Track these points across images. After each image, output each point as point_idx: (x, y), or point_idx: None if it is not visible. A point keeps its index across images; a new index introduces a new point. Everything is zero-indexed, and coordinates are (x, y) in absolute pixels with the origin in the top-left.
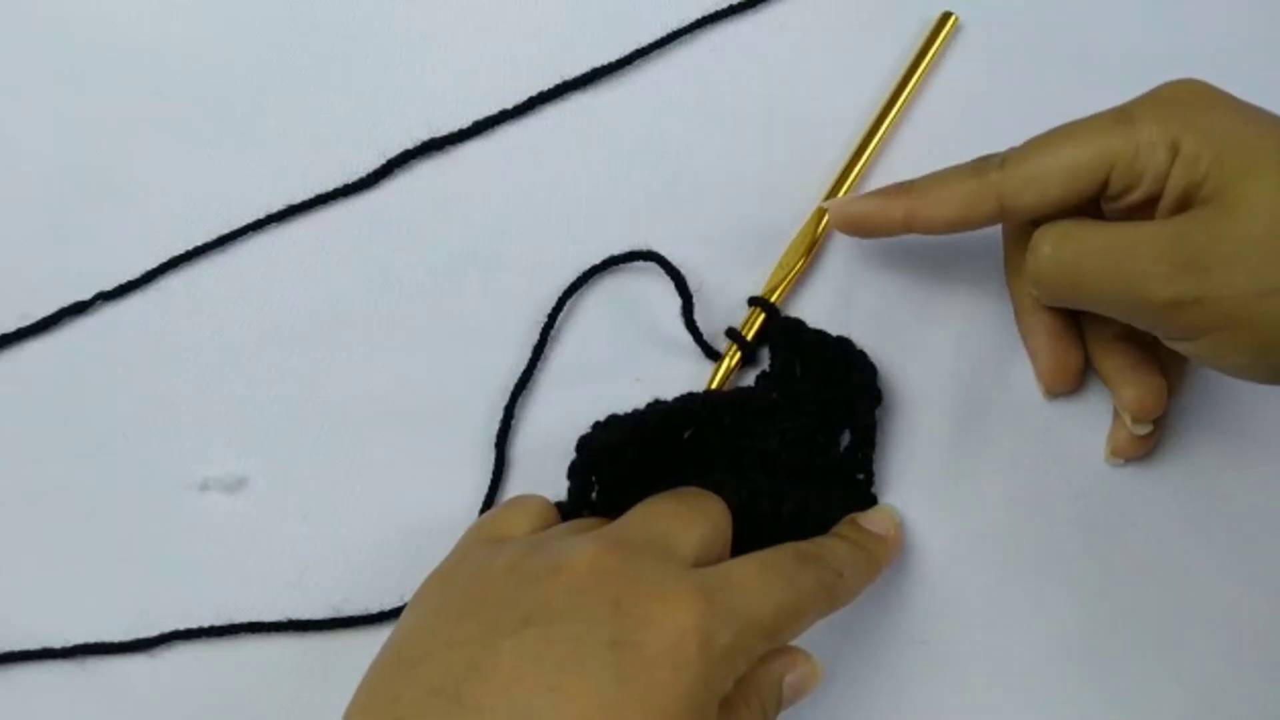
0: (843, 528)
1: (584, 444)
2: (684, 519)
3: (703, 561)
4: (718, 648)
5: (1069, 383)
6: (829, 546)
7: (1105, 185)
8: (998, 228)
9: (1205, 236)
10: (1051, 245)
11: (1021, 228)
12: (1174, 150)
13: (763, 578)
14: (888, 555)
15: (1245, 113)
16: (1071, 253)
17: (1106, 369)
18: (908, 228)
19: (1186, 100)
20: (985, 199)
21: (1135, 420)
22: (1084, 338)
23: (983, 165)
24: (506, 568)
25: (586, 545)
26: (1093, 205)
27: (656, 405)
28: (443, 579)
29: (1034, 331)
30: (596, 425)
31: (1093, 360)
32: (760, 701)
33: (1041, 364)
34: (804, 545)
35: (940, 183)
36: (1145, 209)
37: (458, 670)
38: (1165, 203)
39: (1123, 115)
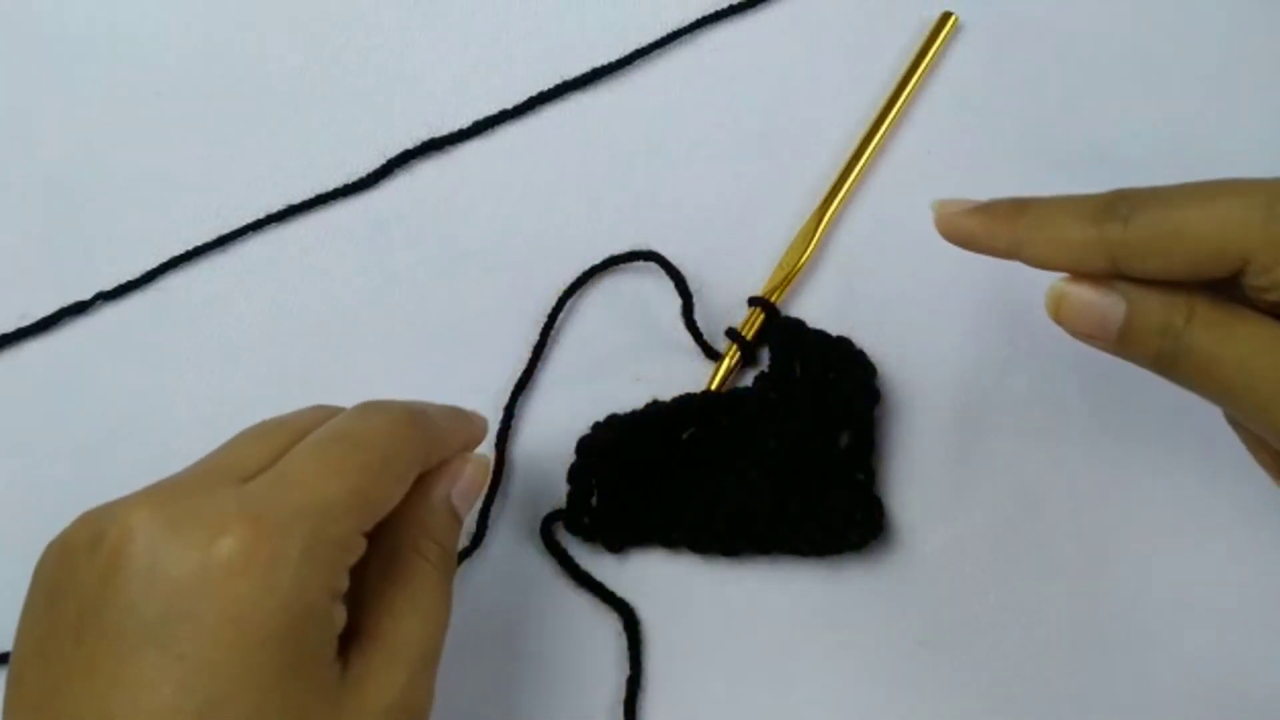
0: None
1: (584, 445)
2: (256, 442)
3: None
4: (284, 560)
5: None
6: (399, 399)
7: (1241, 272)
8: None
9: None
10: (1195, 330)
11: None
12: None
13: (321, 455)
14: (480, 423)
15: None
16: (1212, 345)
17: (1241, 432)
18: (1011, 257)
19: None
20: (1097, 255)
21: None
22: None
23: (1107, 211)
24: (61, 548)
25: (120, 504)
26: (1228, 283)
27: (655, 405)
28: (36, 568)
29: (1255, 447)
30: (596, 426)
31: (1247, 443)
32: (434, 541)
33: (1264, 463)
34: (373, 400)
35: (1056, 221)
36: None
37: (44, 689)
38: None
39: (1273, 205)
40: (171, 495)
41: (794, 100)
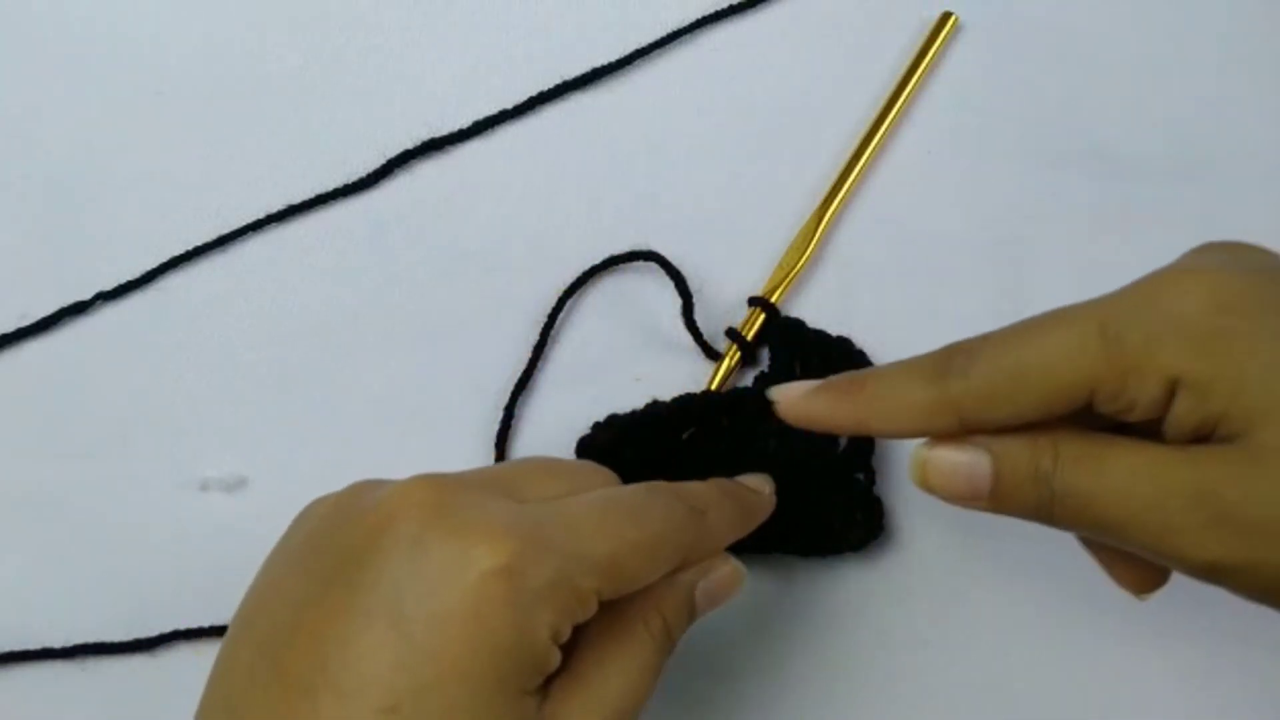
0: (714, 479)
1: (583, 446)
2: (544, 474)
3: None
4: (530, 589)
5: (1159, 584)
6: (690, 486)
7: (1090, 404)
8: (996, 231)
9: (1238, 492)
10: (1063, 472)
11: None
12: (1171, 384)
13: (601, 512)
14: (761, 506)
15: (1272, 322)
16: (1086, 483)
17: (1096, 550)
18: (860, 432)
19: (1189, 309)
20: (943, 414)
21: (1139, 596)
22: None
23: (943, 368)
24: (334, 504)
25: (401, 481)
26: (1085, 411)
27: (655, 406)
28: (291, 524)
29: (1097, 551)
30: (596, 425)
31: (1099, 560)
32: (663, 618)
33: (1121, 580)
34: (658, 484)
35: (895, 388)
36: (1150, 426)
37: (280, 629)
38: (1174, 433)
39: (1107, 331)
40: (454, 488)
41: (794, 100)
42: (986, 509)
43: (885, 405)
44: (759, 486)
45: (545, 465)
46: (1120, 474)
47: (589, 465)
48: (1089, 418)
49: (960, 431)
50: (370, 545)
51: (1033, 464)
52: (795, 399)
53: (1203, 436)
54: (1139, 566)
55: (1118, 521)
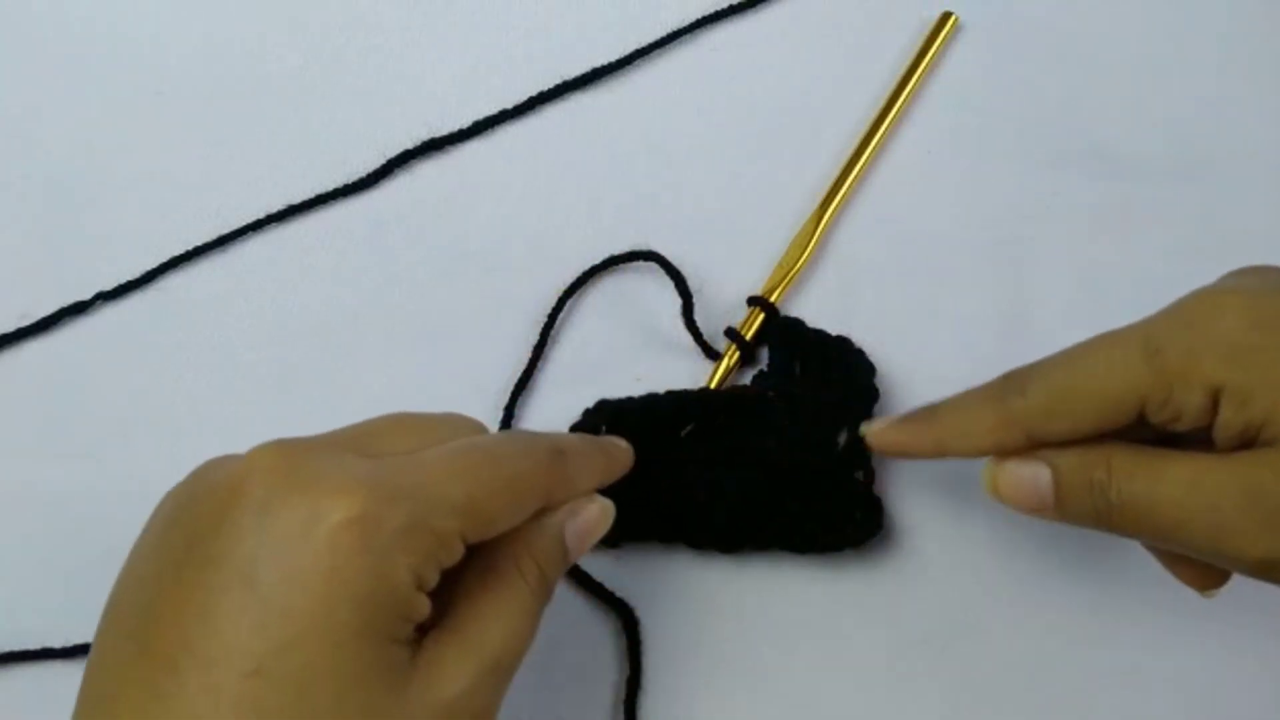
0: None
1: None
2: (400, 429)
3: None
4: (384, 535)
5: (1220, 583)
6: (551, 432)
7: (1141, 415)
8: (996, 231)
9: None
10: (1119, 482)
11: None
12: (1214, 394)
13: (456, 457)
14: (622, 458)
15: None
16: (1142, 492)
17: (1159, 553)
18: (940, 457)
19: (1223, 328)
20: (1012, 432)
21: (1203, 593)
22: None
23: (1004, 389)
24: (184, 487)
25: (251, 450)
26: (1140, 424)
27: (648, 396)
28: (152, 512)
29: (1159, 554)
30: (587, 411)
31: (1161, 560)
32: (536, 562)
33: (1185, 578)
34: (516, 430)
35: (963, 412)
36: (1200, 435)
37: (142, 609)
38: (1222, 440)
39: (1150, 346)
40: (300, 450)
41: (794, 100)
42: (1053, 519)
43: (959, 428)
44: (621, 443)
45: (400, 419)
46: (1173, 482)
47: (453, 417)
48: (1143, 430)
49: (1028, 446)
50: (221, 517)
51: (1087, 475)
52: (881, 431)
53: (1248, 442)
54: (1200, 565)
55: (1174, 526)
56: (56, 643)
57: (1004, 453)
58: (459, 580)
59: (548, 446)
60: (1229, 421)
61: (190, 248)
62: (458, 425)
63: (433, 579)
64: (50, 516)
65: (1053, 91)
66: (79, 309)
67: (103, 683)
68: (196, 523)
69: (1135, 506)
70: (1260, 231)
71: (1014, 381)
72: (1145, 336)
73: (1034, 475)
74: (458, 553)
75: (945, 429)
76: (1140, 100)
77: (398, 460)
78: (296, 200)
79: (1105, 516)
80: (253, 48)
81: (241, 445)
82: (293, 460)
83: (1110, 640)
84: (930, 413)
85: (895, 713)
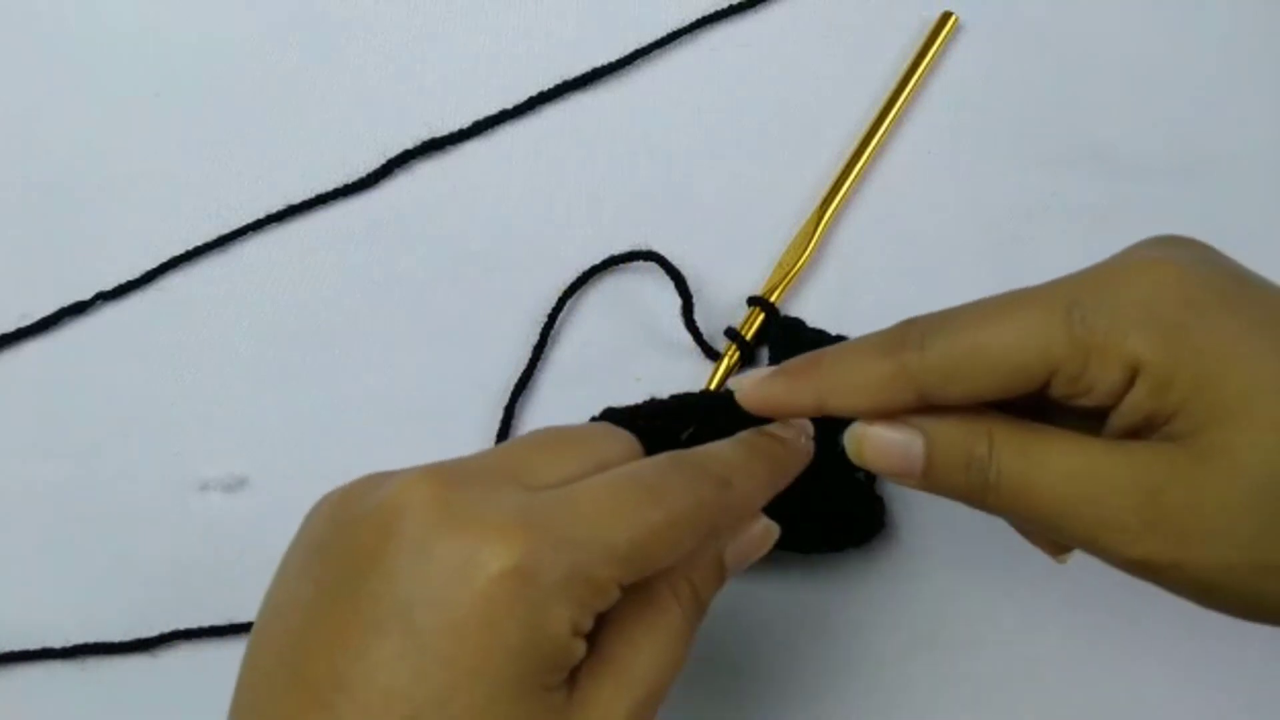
0: (742, 432)
1: None
2: (554, 450)
3: None
4: (543, 588)
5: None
6: (713, 451)
7: (1047, 384)
8: (996, 231)
9: (1182, 492)
10: (999, 461)
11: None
12: (1132, 370)
13: (618, 494)
14: (795, 458)
15: (1240, 316)
16: (1023, 474)
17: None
18: (820, 413)
19: (1157, 299)
20: (902, 389)
21: (1057, 559)
22: None
23: (901, 341)
24: (339, 501)
25: (404, 476)
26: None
27: (653, 401)
28: (305, 518)
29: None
30: (592, 420)
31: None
32: (692, 585)
33: (1039, 544)
34: (680, 453)
35: (850, 364)
36: (1092, 414)
37: (296, 637)
38: (1119, 423)
39: (1072, 308)
40: (457, 480)
41: (794, 100)
42: (917, 487)
43: (842, 381)
44: (790, 435)
45: (555, 438)
46: (1059, 467)
47: (602, 430)
48: (1033, 401)
49: (919, 405)
50: (376, 550)
51: (966, 450)
52: (752, 385)
53: (1146, 430)
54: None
55: (1052, 514)
56: (56, 643)
57: (889, 413)
58: (611, 607)
59: (714, 478)
60: (1137, 404)
61: (190, 248)
62: (612, 441)
63: (589, 624)
64: (50, 516)
65: (1053, 91)
66: (79, 309)
67: (255, 699)
68: (350, 554)
69: (1013, 488)
70: (1260, 231)
71: (913, 333)
72: (1070, 301)
73: (906, 442)
74: (614, 598)
75: (828, 382)
76: (1140, 100)
77: (557, 498)
78: (296, 200)
79: (979, 494)
80: (252, 48)
81: (242, 445)
82: (449, 494)
83: (1111, 640)
84: (810, 362)
85: (895, 713)
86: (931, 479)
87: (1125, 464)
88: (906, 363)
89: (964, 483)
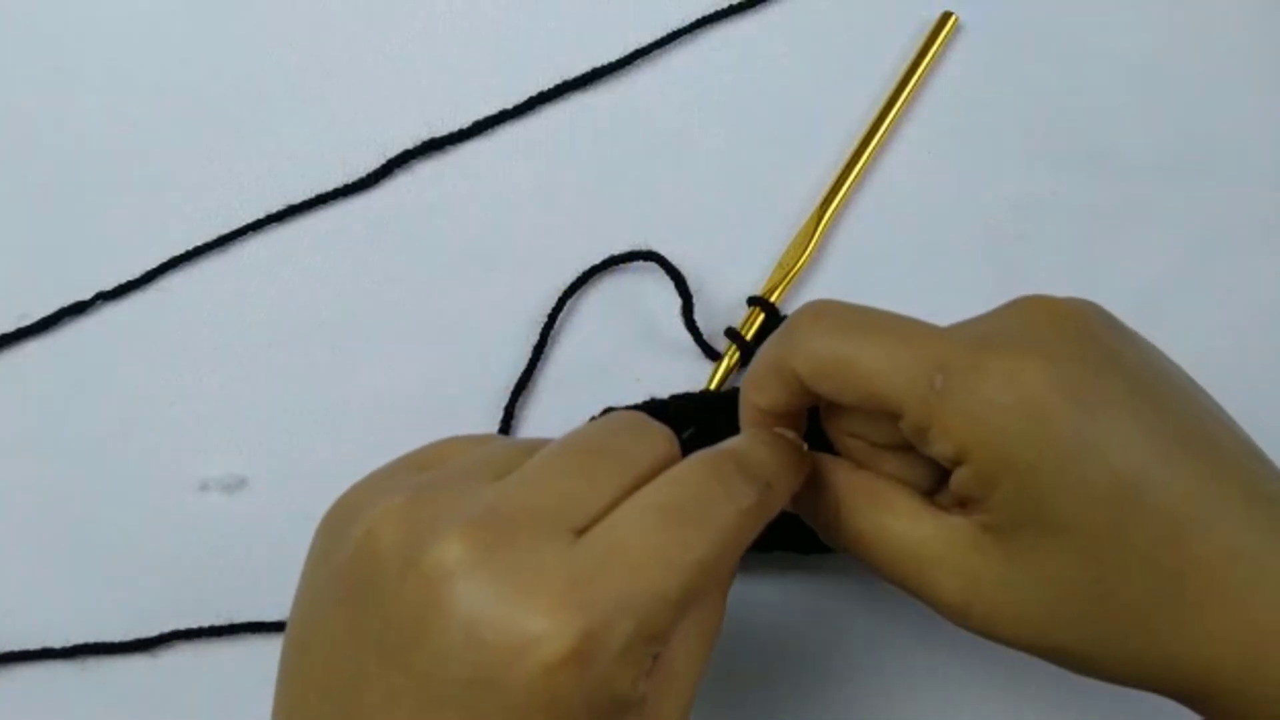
0: (758, 429)
1: None
2: (587, 471)
3: None
4: (606, 658)
5: None
6: (750, 453)
7: (899, 418)
8: (997, 231)
9: (990, 588)
10: (847, 512)
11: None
12: (961, 455)
13: (666, 533)
14: (806, 459)
15: (1081, 431)
16: (862, 532)
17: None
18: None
19: (1009, 398)
20: (780, 373)
21: None
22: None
23: (789, 328)
24: (366, 543)
25: (450, 529)
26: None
27: (652, 402)
28: (326, 530)
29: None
30: (592, 420)
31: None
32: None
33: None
34: (719, 458)
35: (761, 351)
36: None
37: (340, 681)
38: (953, 486)
39: (936, 372)
40: (498, 537)
41: (794, 100)
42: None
43: (750, 372)
44: (796, 440)
45: (587, 453)
46: (894, 533)
47: (632, 429)
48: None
49: (800, 396)
50: (424, 621)
51: (820, 501)
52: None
53: (971, 505)
54: None
55: (889, 575)
56: (56, 643)
57: (771, 400)
58: None
59: (757, 482)
60: (963, 482)
61: (190, 248)
62: (644, 444)
63: (650, 665)
64: (50, 516)
65: (1053, 91)
66: (79, 309)
67: None
68: (393, 612)
69: (854, 545)
70: (1260, 231)
71: (803, 320)
72: (940, 362)
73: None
74: (670, 638)
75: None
76: (1140, 100)
77: (607, 551)
78: (296, 200)
79: (829, 537)
80: (253, 48)
81: (242, 445)
82: (493, 559)
83: None
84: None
85: (895, 712)
86: (794, 506)
87: (950, 545)
88: (787, 351)
89: (816, 524)
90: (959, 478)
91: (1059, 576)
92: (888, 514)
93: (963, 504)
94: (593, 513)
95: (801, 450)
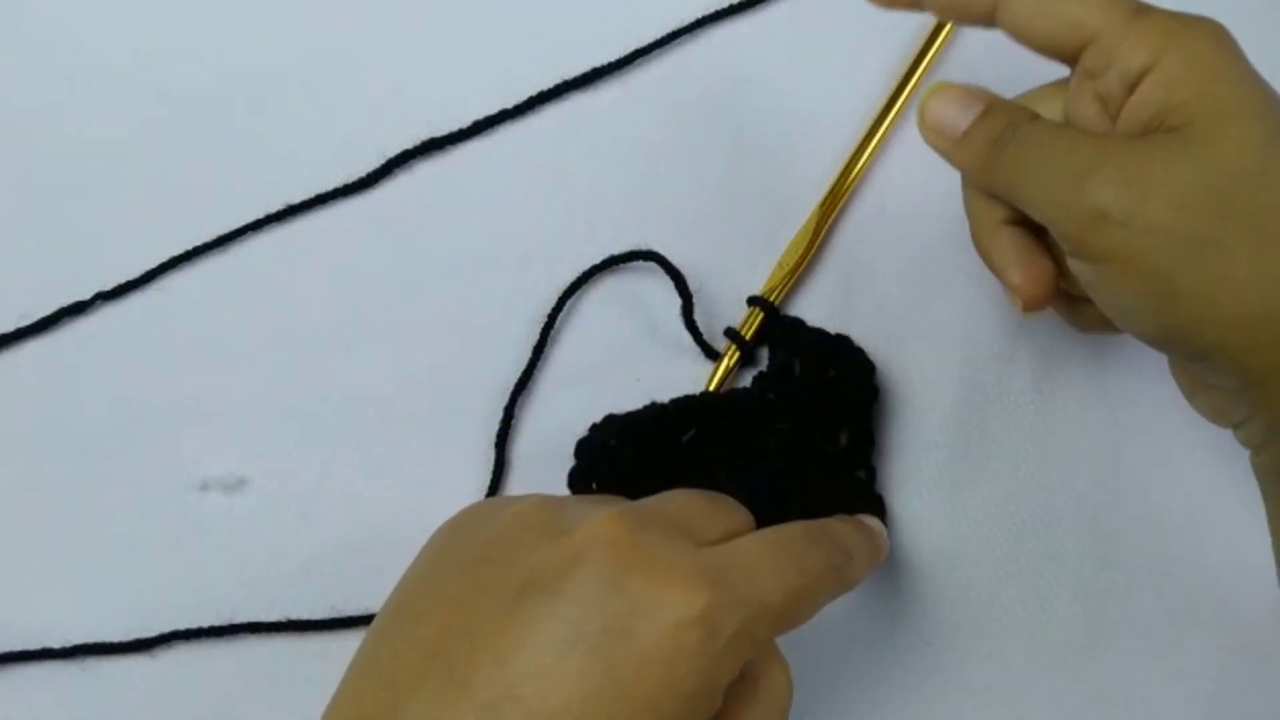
0: (839, 517)
1: (582, 448)
2: (708, 511)
3: None
4: (721, 640)
5: (1047, 294)
6: (837, 527)
7: (1081, 55)
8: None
9: (1158, 159)
10: (1020, 132)
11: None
12: (1150, 63)
13: (774, 559)
14: (885, 548)
15: (1246, 72)
16: (1023, 155)
17: (994, 255)
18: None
19: (1198, 33)
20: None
21: (1026, 310)
22: (978, 228)
23: None
24: (514, 520)
25: (597, 511)
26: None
27: (653, 407)
28: (454, 526)
29: (999, 248)
30: (594, 427)
31: (980, 247)
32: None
33: (1016, 278)
34: (813, 525)
35: None
36: (1114, 107)
37: (454, 636)
38: (1132, 115)
39: (1139, 6)
40: (643, 527)
41: (794, 100)
42: (946, 150)
43: None
44: (879, 528)
45: (702, 501)
46: (1059, 133)
47: (729, 501)
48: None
49: (988, 23)
50: (564, 574)
51: (1003, 125)
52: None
53: (1152, 129)
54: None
55: (1038, 171)
56: (56, 643)
57: (970, 16)
58: None
59: (843, 551)
60: (1148, 95)
61: (190, 248)
62: (737, 512)
63: (736, 675)
64: (50, 516)
65: None
66: (79, 309)
67: (395, 687)
68: (536, 569)
69: (1014, 161)
70: None
71: None
72: (1143, 2)
73: (955, 117)
74: (760, 652)
75: None
76: None
77: (726, 555)
78: (296, 200)
79: (990, 163)
80: (252, 48)
81: (242, 445)
82: (639, 535)
83: (1111, 640)
84: None
85: (895, 713)
86: (962, 144)
87: (1119, 137)
88: None
89: (983, 151)
90: (1149, 91)
91: (1231, 156)
92: (1061, 132)
93: (1143, 129)
94: (712, 537)
95: (883, 536)
